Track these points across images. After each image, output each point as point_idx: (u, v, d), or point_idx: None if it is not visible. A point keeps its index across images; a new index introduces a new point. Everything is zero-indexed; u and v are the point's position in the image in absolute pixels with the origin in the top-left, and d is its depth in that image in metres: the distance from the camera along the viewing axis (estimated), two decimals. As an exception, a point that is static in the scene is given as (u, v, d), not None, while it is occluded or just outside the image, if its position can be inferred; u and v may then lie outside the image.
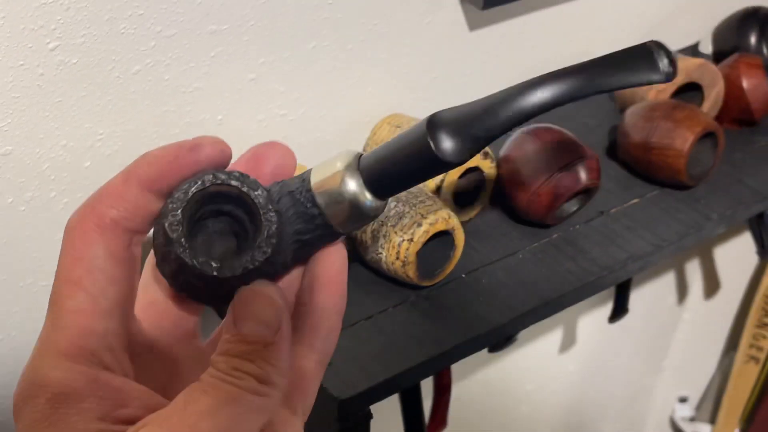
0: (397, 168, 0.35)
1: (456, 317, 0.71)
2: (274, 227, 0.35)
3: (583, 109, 0.98)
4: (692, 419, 1.72)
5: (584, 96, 0.33)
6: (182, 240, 0.35)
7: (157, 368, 0.37)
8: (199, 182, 0.35)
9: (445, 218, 0.70)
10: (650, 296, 1.41)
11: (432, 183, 0.76)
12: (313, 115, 0.82)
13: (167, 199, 0.35)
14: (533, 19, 0.91)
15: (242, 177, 0.36)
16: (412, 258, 0.70)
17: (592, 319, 1.35)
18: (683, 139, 0.81)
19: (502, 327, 0.71)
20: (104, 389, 0.32)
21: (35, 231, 0.70)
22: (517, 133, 0.81)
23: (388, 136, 0.82)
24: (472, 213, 0.81)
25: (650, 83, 0.33)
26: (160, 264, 0.37)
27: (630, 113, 0.87)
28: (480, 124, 0.33)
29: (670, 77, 0.33)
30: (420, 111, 0.89)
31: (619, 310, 1.00)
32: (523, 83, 0.33)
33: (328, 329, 0.37)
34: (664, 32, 1.04)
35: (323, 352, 0.37)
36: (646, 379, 1.64)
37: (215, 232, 0.38)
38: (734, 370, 1.53)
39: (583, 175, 0.76)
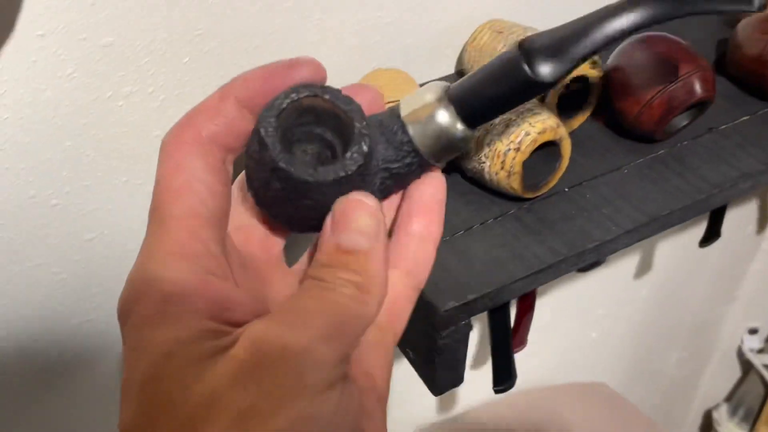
0: (488, 95, 0.35)
1: (558, 232, 0.69)
2: (366, 139, 0.35)
3: (689, 21, 0.93)
4: (761, 351, 1.70)
5: (676, 17, 0.33)
6: (277, 145, 0.34)
7: (249, 286, 0.36)
8: (294, 93, 0.34)
9: (554, 127, 0.67)
10: (729, 224, 1.36)
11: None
12: (410, 18, 0.78)
13: (263, 108, 0.34)
14: None
15: (336, 92, 0.35)
16: (518, 168, 0.67)
17: (670, 244, 1.32)
18: (804, 53, 0.76)
19: (608, 243, 0.69)
20: (213, 292, 0.32)
21: (132, 128, 0.68)
22: (626, 42, 0.77)
23: (489, 42, 0.78)
24: (575, 124, 0.77)
25: (740, 11, 0.34)
26: (252, 175, 0.36)
27: (743, 25, 0.82)
28: (574, 42, 0.33)
29: (760, 6, 0.34)
30: (521, 15, 0.85)
31: (712, 233, 0.97)
32: (618, 2, 0.33)
33: (423, 257, 0.36)
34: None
35: (417, 278, 0.36)
36: (717, 308, 1.61)
37: (302, 161, 0.37)
38: (811, 303, 1.50)
39: (698, 86, 0.72)
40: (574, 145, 0.74)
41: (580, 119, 0.77)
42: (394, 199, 0.39)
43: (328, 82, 0.74)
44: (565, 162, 0.70)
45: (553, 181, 0.71)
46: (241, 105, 0.34)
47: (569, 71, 0.34)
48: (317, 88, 0.35)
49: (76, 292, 0.75)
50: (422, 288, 0.37)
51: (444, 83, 0.37)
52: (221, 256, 0.33)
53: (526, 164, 0.68)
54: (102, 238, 0.73)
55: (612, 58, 0.77)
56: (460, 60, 0.84)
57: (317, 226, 0.36)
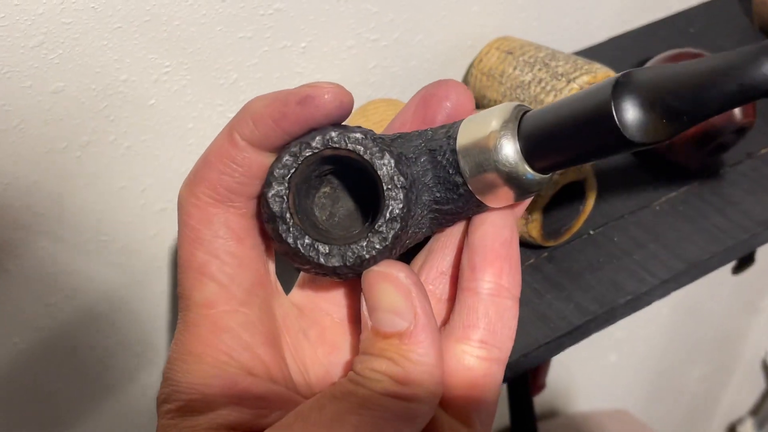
0: (565, 140, 0.27)
1: (585, 285, 0.60)
2: (398, 208, 0.29)
3: (714, 27, 0.84)
4: (787, 363, 1.61)
5: None
6: (287, 215, 0.29)
7: (312, 355, 0.32)
8: (311, 145, 0.29)
9: (578, 166, 0.58)
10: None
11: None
12: (408, 40, 0.69)
13: (273, 163, 0.29)
14: None
15: (364, 140, 0.29)
16: (537, 214, 0.58)
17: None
18: None
19: (643, 296, 0.60)
20: (242, 397, 0.28)
21: (94, 180, 0.60)
22: (654, 61, 0.68)
23: (497, 64, 0.69)
24: (597, 156, 0.69)
25: None
26: (266, 227, 0.30)
27: (782, 35, 0.73)
28: (686, 92, 0.24)
29: None
30: (530, 32, 0.76)
31: (746, 259, 0.88)
32: (752, 47, 0.24)
33: (499, 319, 0.29)
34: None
35: (497, 348, 0.29)
36: (740, 320, 1.52)
37: (334, 187, 0.31)
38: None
39: (738, 111, 0.63)
40: (598, 179, 0.66)
41: (603, 149, 0.68)
42: (450, 238, 0.32)
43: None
44: (590, 204, 0.61)
45: (577, 226, 0.62)
46: (254, 146, 0.29)
47: (678, 131, 0.25)
48: (342, 139, 0.29)
49: (40, 363, 0.67)
50: (507, 360, 0.30)
51: (517, 105, 0.29)
52: (258, 342, 0.29)
53: (546, 208, 0.60)
54: (67, 302, 0.65)
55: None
56: (465, 83, 0.75)
57: (352, 276, 0.30)
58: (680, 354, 1.47)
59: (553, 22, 0.77)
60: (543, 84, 0.65)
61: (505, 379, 0.57)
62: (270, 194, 0.29)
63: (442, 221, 0.31)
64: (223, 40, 0.59)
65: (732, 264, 0.93)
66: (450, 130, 0.30)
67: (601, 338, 1.24)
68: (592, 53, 0.80)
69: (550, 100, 0.63)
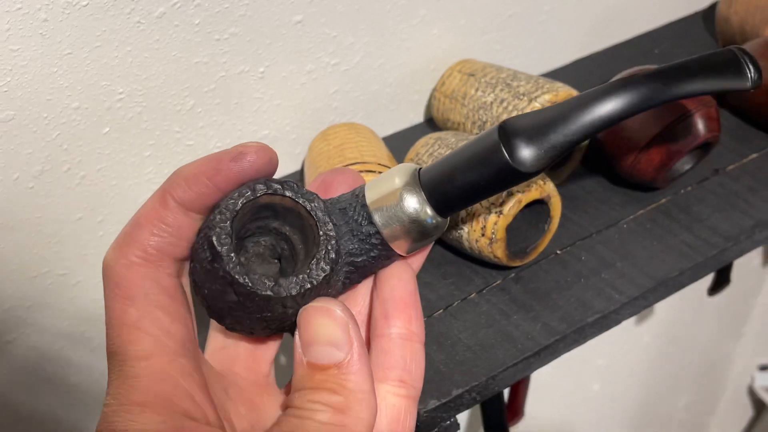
0: (463, 181, 0.32)
1: (553, 305, 0.59)
2: (333, 242, 0.32)
3: (678, 47, 0.84)
4: (773, 388, 1.60)
5: (667, 101, 0.31)
6: (232, 254, 0.30)
7: (235, 414, 0.33)
8: (249, 191, 0.31)
9: (540, 184, 0.57)
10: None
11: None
12: (370, 64, 0.69)
13: (213, 210, 0.31)
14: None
15: (297, 187, 0.32)
16: (501, 234, 0.57)
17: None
18: (817, 80, 0.67)
19: (611, 315, 0.59)
20: None
21: (47, 212, 0.58)
22: (614, 80, 0.67)
23: (459, 86, 0.69)
24: (563, 176, 0.68)
25: (734, 91, 0.32)
26: (200, 283, 0.31)
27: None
28: (557, 129, 0.31)
29: (756, 84, 0.32)
30: (493, 55, 0.75)
31: (722, 280, 0.87)
32: (602, 86, 0.31)
33: (412, 360, 0.32)
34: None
35: (412, 386, 0.32)
36: (724, 347, 1.51)
37: (257, 254, 0.34)
38: (825, 337, 1.40)
39: (701, 126, 0.63)
40: (563, 199, 0.65)
41: (568, 170, 0.67)
42: (359, 294, 0.36)
43: (280, 141, 0.64)
44: (555, 223, 0.60)
45: (543, 245, 0.61)
46: (186, 208, 0.31)
47: (553, 160, 0.31)
48: (276, 184, 0.31)
49: (-2, 403, 0.65)
50: (419, 395, 0.33)
51: (413, 165, 0.34)
52: (197, 391, 0.30)
53: (510, 228, 0.59)
54: (22, 339, 0.63)
55: (600, 98, 0.68)
56: (429, 107, 0.75)
57: (281, 329, 0.33)
58: (665, 382, 1.46)
59: (516, 45, 0.77)
60: (505, 104, 0.64)
61: (476, 402, 0.56)
62: (215, 236, 0.30)
63: (353, 276, 0.34)
64: (178, 65, 0.58)
65: (708, 284, 0.92)
66: (356, 191, 0.34)
67: (582, 366, 1.22)
68: (557, 75, 0.80)
69: (512, 119, 0.63)
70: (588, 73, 0.81)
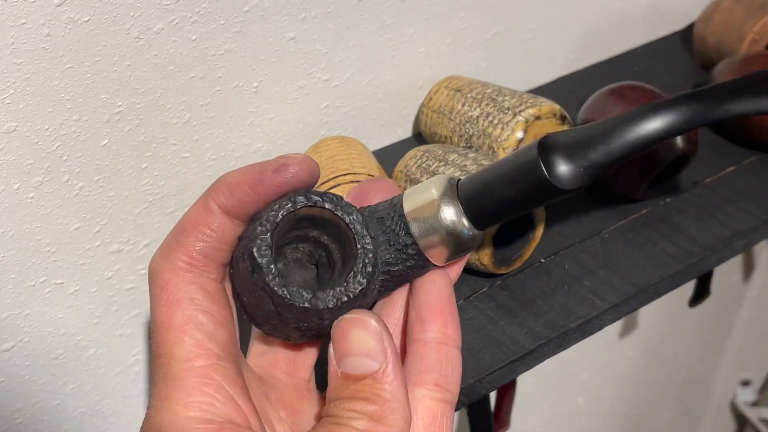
0: (500, 195, 0.32)
1: (538, 311, 0.61)
2: (370, 255, 0.32)
3: (657, 65, 0.87)
4: (755, 404, 1.62)
5: (714, 122, 0.31)
6: (272, 266, 0.31)
7: (275, 418, 0.34)
8: (290, 203, 0.32)
9: (525, 194, 0.60)
10: (715, 274, 1.30)
11: (502, 154, 0.66)
12: (359, 80, 0.71)
13: (254, 221, 0.32)
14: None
15: (337, 199, 0.33)
16: (487, 243, 0.59)
17: (655, 301, 1.24)
18: (790, 96, 0.70)
19: (593, 320, 0.61)
20: None
21: (47, 222, 0.60)
22: (597, 93, 0.70)
23: (446, 101, 0.71)
24: (547, 187, 0.70)
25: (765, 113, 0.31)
26: (240, 290, 0.32)
27: (721, 69, 0.76)
28: (598, 147, 0.30)
29: None
30: (479, 72, 0.78)
31: (702, 292, 0.89)
32: (645, 106, 0.31)
33: (448, 364, 0.33)
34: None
35: (449, 390, 0.33)
36: (706, 362, 1.53)
37: (295, 260, 0.34)
38: (805, 351, 1.42)
39: (679, 139, 0.65)
40: (547, 210, 0.67)
41: (552, 181, 0.70)
42: (396, 302, 0.36)
43: (273, 154, 0.66)
44: (539, 232, 0.62)
45: (528, 254, 0.63)
46: (228, 214, 0.32)
47: (593, 177, 0.31)
48: (315, 196, 0.32)
49: (-5, 410, 0.66)
50: (457, 400, 0.34)
51: (450, 177, 0.34)
52: (239, 395, 0.31)
53: (496, 237, 0.61)
54: (21, 348, 0.64)
55: (582, 112, 0.70)
56: (417, 122, 0.77)
57: (318, 336, 0.34)
58: (649, 396, 1.47)
59: (501, 62, 0.79)
60: (491, 118, 0.66)
61: (464, 405, 0.57)
62: (255, 247, 0.31)
63: (389, 285, 0.34)
64: (175, 80, 0.60)
65: (689, 296, 0.94)
66: (393, 201, 0.34)
67: (567, 380, 1.24)
68: (542, 92, 0.83)
69: (498, 133, 0.65)
70: (571, 90, 0.83)
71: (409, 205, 0.33)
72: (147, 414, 0.30)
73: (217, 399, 0.30)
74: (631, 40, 0.89)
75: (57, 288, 0.64)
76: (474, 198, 0.33)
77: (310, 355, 0.36)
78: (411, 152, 0.65)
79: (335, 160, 0.64)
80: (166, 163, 0.63)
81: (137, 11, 0.56)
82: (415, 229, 0.33)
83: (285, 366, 0.36)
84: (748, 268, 1.39)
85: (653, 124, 0.30)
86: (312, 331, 0.33)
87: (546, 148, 0.31)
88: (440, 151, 0.64)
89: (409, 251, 0.33)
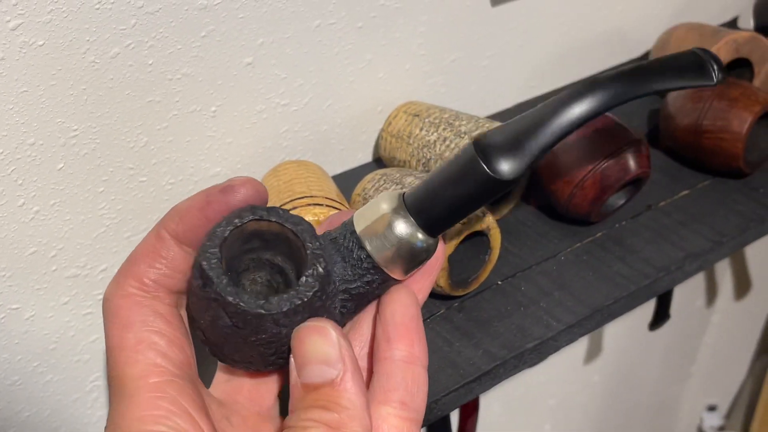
0: (447, 199, 0.33)
1: (494, 333, 0.61)
2: (321, 259, 0.32)
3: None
4: (722, 429, 1.63)
5: (634, 97, 0.32)
6: (222, 277, 0.30)
7: (237, 422, 0.34)
8: (236, 218, 0.32)
9: (480, 216, 0.60)
10: (677, 299, 1.31)
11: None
12: (318, 105, 0.72)
13: (204, 238, 0.32)
14: (562, -8, 0.81)
15: (283, 212, 0.33)
16: (444, 264, 0.59)
17: (619, 325, 1.25)
18: (740, 120, 0.71)
19: (549, 341, 0.61)
20: None
21: (2, 246, 0.60)
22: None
23: (405, 126, 0.72)
24: (504, 210, 0.71)
25: (699, 86, 0.33)
26: (196, 314, 0.32)
27: (675, 95, 0.77)
28: (531, 135, 0.31)
29: (720, 81, 0.33)
30: (438, 98, 0.79)
31: (661, 316, 0.90)
32: (571, 89, 0.32)
33: (414, 383, 0.33)
34: (699, 7, 0.95)
35: (414, 409, 0.32)
36: (672, 387, 1.54)
37: (254, 291, 0.34)
38: (768, 375, 1.44)
39: (632, 162, 0.66)
40: (504, 232, 0.68)
41: (509, 205, 0.71)
42: (363, 323, 0.36)
43: (231, 176, 0.66)
44: (495, 254, 0.63)
45: (484, 276, 0.64)
46: (180, 242, 0.32)
47: (529, 165, 0.32)
48: (261, 210, 0.32)
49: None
50: (422, 419, 0.33)
51: (398, 191, 0.35)
52: (196, 410, 0.30)
53: (453, 258, 0.61)
54: (-25, 373, 0.64)
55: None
56: (377, 146, 0.78)
57: (279, 363, 0.33)
58: (616, 421, 1.48)
59: (460, 88, 0.80)
60: (447, 142, 0.67)
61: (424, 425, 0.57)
62: (204, 261, 0.31)
63: (349, 305, 0.35)
64: (132, 104, 0.60)
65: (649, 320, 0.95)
66: (346, 222, 0.34)
67: (533, 406, 1.24)
68: (501, 117, 0.84)
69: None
70: (529, 116, 0.84)
71: (360, 223, 0.34)
72: (105, 428, 0.30)
73: (172, 412, 0.30)
74: (589, 67, 0.91)
75: (12, 313, 0.63)
76: (422, 206, 0.33)
77: (274, 383, 0.36)
78: (369, 176, 0.66)
79: (293, 183, 0.65)
80: (123, 187, 0.63)
81: (93, 35, 0.56)
82: (368, 245, 0.33)
83: (248, 393, 0.36)
84: (711, 294, 1.40)
85: (580, 108, 0.31)
86: (272, 347, 0.32)
87: (482, 146, 0.32)
88: (397, 174, 0.64)
89: (365, 265, 0.33)
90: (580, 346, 1.24)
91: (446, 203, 0.33)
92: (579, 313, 0.63)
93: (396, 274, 0.34)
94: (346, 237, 0.34)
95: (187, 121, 0.64)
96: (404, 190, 0.34)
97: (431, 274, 0.36)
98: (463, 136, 0.67)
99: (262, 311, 0.31)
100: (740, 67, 0.82)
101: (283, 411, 0.35)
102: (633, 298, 0.65)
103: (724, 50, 0.79)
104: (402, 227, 0.33)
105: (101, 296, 0.66)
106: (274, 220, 0.32)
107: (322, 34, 0.68)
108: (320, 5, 0.66)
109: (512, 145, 0.31)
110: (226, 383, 0.36)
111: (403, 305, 0.34)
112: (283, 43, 0.66)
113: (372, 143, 0.78)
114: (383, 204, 0.34)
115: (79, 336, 0.68)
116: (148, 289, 0.32)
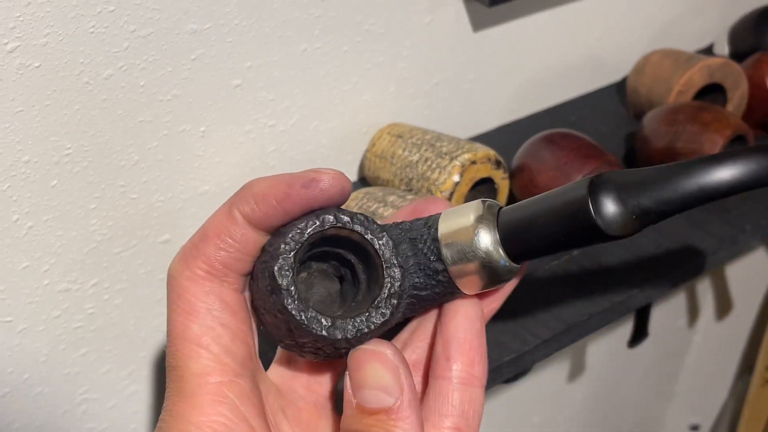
0: (543, 231, 0.30)
1: (473, 345, 0.63)
2: (397, 285, 0.31)
3: (593, 115, 0.91)
4: (705, 447, 1.64)
5: None
6: (292, 288, 0.30)
7: (291, 415, 0.34)
8: (317, 223, 0.30)
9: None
10: (658, 318, 1.33)
11: (439, 196, 0.69)
12: (305, 126, 0.74)
13: (279, 236, 0.30)
14: (542, 19, 0.84)
15: (367, 221, 0.31)
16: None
17: (602, 343, 1.27)
18: (712, 143, 0.74)
19: (525, 355, 0.64)
20: None
21: (-5, 259, 0.62)
22: (530, 140, 0.74)
23: (388, 147, 0.74)
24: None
25: None
26: (258, 303, 0.31)
27: (650, 118, 0.80)
28: (653, 192, 0.28)
29: None
30: (421, 119, 0.81)
31: (640, 333, 0.93)
32: (713, 155, 0.28)
33: (470, 406, 0.31)
34: (676, 34, 0.98)
35: (469, 430, 0.31)
36: (656, 406, 1.56)
37: (320, 270, 0.33)
38: (750, 395, 1.46)
39: (606, 183, 0.69)
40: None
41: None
42: (426, 330, 0.35)
43: (219, 196, 0.68)
44: (473, 270, 0.65)
45: (463, 291, 0.66)
46: (252, 224, 0.31)
47: (644, 226, 0.28)
48: (346, 218, 0.31)
49: (-60, 448, 0.67)
50: None
51: (494, 202, 0.32)
52: (253, 415, 0.30)
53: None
54: (-33, 384, 0.66)
55: (517, 158, 0.74)
56: (361, 167, 0.80)
57: (336, 358, 0.32)
58: (600, 441, 1.49)
59: (443, 111, 0.83)
60: (429, 162, 0.70)
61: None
62: (276, 267, 0.30)
63: (416, 308, 0.33)
64: (124, 123, 0.63)
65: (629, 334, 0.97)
66: (429, 221, 0.32)
67: (517, 424, 1.26)
68: (482, 140, 0.86)
69: (435, 176, 0.68)
70: (510, 138, 0.87)
71: (444, 228, 0.32)
72: (158, 427, 0.30)
73: (230, 419, 0.29)
74: (568, 91, 0.94)
75: (5, 326, 0.65)
76: (515, 229, 0.30)
77: (333, 370, 0.35)
78: (352, 194, 0.68)
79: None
80: (114, 204, 0.65)
81: (87, 58, 0.58)
82: (447, 254, 0.31)
83: (306, 379, 0.35)
84: (693, 314, 1.42)
85: (720, 174, 0.27)
86: (328, 356, 0.32)
87: (597, 187, 0.28)
88: (380, 193, 0.67)
89: (439, 278, 0.32)
90: (563, 364, 1.26)
91: (541, 236, 0.30)
92: (554, 329, 0.65)
93: (468, 290, 0.32)
94: (426, 242, 0.32)
95: (176, 141, 0.66)
96: (500, 204, 0.32)
97: (505, 295, 0.35)
98: (444, 156, 0.69)
99: (326, 334, 0.30)
100: (714, 92, 0.85)
101: (339, 407, 0.35)
102: (607, 315, 0.67)
103: (698, 75, 0.82)
104: (487, 244, 0.31)
105: (92, 310, 0.68)
106: (357, 230, 0.31)
107: (308, 57, 0.70)
108: (307, 30, 0.69)
109: (630, 197, 0.28)
110: (285, 366, 0.35)
111: (469, 319, 0.33)
112: (270, 66, 0.68)
113: (357, 163, 0.80)
114: (472, 214, 0.31)
115: (69, 349, 0.70)
116: (217, 272, 0.30)
